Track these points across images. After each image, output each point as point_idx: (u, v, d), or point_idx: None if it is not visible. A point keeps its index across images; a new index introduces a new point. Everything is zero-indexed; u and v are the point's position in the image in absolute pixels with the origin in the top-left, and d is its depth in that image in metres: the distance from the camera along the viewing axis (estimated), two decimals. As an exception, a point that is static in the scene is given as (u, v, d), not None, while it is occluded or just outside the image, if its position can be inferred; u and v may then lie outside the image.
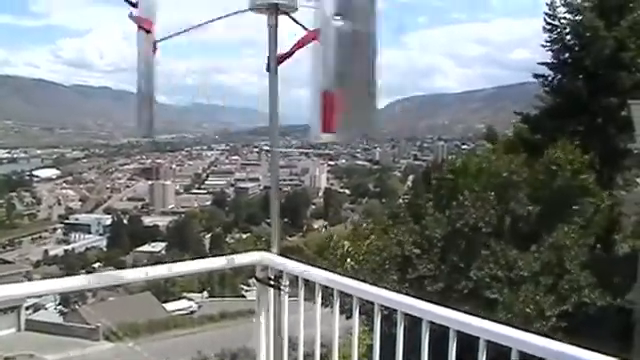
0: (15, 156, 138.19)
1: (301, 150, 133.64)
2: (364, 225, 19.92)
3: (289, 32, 3.55)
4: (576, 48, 22.35)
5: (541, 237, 14.73)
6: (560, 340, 2.48)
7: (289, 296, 3.79)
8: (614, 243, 20.52)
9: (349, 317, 3.35)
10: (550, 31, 22.61)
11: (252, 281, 3.97)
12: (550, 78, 23.18)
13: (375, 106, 3.07)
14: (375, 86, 3.00)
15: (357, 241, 17.14)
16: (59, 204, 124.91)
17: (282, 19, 3.65)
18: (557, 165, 15.87)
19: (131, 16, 3.41)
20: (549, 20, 22.67)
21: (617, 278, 14.94)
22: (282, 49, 3.67)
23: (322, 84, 2.87)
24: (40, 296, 39.28)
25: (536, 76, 23.41)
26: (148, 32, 3.44)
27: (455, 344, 2.80)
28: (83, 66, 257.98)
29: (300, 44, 3.49)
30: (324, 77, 2.88)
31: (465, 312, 2.83)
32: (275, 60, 3.67)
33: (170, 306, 54.67)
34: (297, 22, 3.50)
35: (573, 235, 14.69)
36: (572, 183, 15.75)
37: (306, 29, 3.40)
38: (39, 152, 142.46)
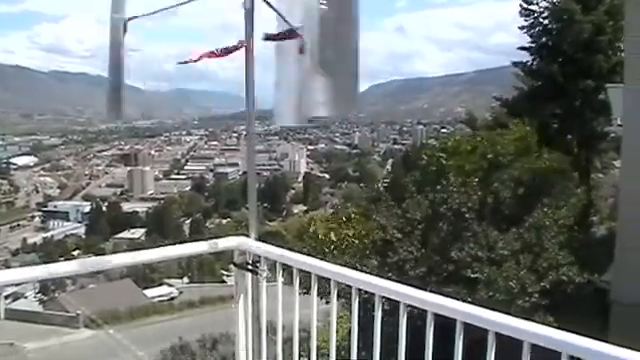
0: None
1: (276, 134, 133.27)
2: (344, 209, 19.95)
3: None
4: (554, 32, 22.46)
5: (521, 219, 14.85)
6: (537, 321, 2.51)
7: (269, 281, 3.79)
8: (591, 225, 20.73)
9: (329, 302, 3.36)
10: (526, 15, 22.71)
11: (231, 266, 3.96)
12: (528, 62, 23.30)
13: (356, 88, 3.09)
14: (357, 69, 3.02)
15: (337, 225, 17.15)
16: (37, 192, 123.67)
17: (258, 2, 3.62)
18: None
19: None
20: (525, 5, 22.76)
21: (594, 259, 15.10)
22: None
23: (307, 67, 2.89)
24: (19, 284, 39.04)
25: (515, 64, 23.52)
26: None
27: (433, 328, 2.82)
28: (60, 52, 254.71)
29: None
30: (311, 61, 2.90)
31: (442, 295, 2.84)
32: (251, 43, 3.64)
33: (150, 292, 54.57)
34: (271, 6, 3.47)
35: (552, 215, 14.83)
36: (549, 166, 15.88)
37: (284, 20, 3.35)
38: (16, 139, 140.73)
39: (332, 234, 16.32)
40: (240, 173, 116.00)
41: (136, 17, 3.53)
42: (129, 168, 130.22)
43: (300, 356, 3.55)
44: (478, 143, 16.69)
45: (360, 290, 3.19)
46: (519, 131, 16.59)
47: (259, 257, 3.77)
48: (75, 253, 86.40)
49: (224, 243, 3.87)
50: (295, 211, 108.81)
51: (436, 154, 16.91)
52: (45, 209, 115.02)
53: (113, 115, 3.71)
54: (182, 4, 3.61)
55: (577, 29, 21.10)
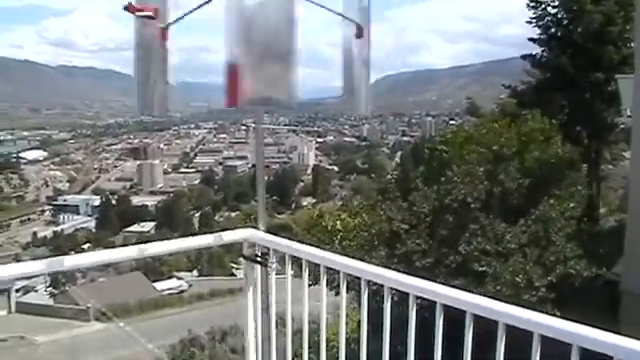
0: (1, 138, 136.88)
1: (286, 126, 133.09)
2: (353, 202, 19.96)
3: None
4: (564, 22, 22.33)
5: (528, 211, 14.80)
6: (546, 312, 2.49)
7: (278, 273, 3.79)
8: (600, 217, 20.66)
9: (338, 293, 3.36)
10: (534, 7, 22.57)
11: (240, 259, 3.97)
12: (537, 54, 23.16)
13: (292, 76, 3.04)
14: (293, 56, 2.98)
15: (346, 217, 17.14)
16: (47, 186, 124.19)
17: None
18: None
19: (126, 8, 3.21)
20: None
21: (603, 251, 15.05)
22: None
23: (228, 56, 2.86)
24: (30, 277, 39.23)
25: (524, 57, 23.38)
26: (152, 18, 3.26)
27: (442, 319, 2.81)
28: (68, 46, 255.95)
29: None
30: (228, 48, 2.87)
31: (452, 286, 2.83)
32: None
33: (160, 285, 54.73)
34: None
35: (559, 207, 14.77)
36: (557, 156, 15.81)
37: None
38: (25, 134, 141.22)
39: (340, 226, 16.33)
40: (249, 166, 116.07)
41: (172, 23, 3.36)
42: (138, 162, 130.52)
43: (309, 348, 3.55)
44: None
45: (369, 282, 3.19)
46: (536, 122, 16.44)
47: (268, 249, 3.77)
48: (85, 246, 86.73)
49: (233, 235, 3.88)
50: (304, 204, 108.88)
51: (437, 147, 16.94)
52: (55, 203, 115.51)
53: (146, 111, 3.66)
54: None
55: (587, 20, 20.96)
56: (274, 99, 3.18)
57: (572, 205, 15.34)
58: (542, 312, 2.48)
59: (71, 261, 3.62)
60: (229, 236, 3.86)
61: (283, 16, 2.94)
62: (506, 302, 2.60)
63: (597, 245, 15.41)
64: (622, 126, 20.02)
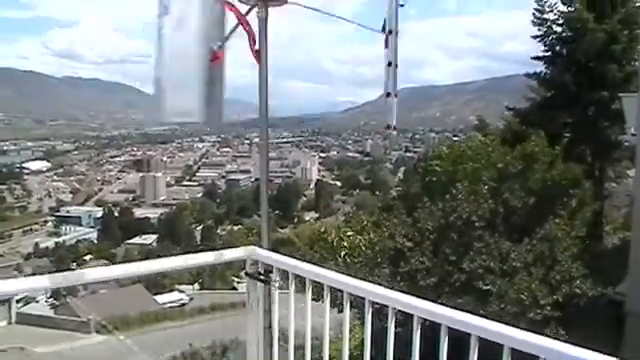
0: (5, 148, 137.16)
1: (286, 139, 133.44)
2: (356, 218, 19.89)
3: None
4: (568, 41, 22.35)
5: (533, 230, 14.73)
6: (552, 336, 2.47)
7: (280, 290, 3.77)
8: (604, 235, 20.59)
9: (341, 311, 3.33)
10: (539, 24, 22.59)
11: (243, 274, 3.95)
12: (542, 72, 23.17)
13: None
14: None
15: (349, 233, 17.09)
16: (50, 196, 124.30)
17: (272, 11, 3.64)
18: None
19: None
20: (538, 15, 22.65)
21: (608, 270, 14.97)
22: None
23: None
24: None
25: (528, 75, 23.39)
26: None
27: (446, 340, 2.78)
28: (73, 57, 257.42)
29: None
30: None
31: (457, 309, 2.81)
32: (266, 52, 3.64)
33: (161, 298, 54.58)
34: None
35: (564, 227, 14.70)
36: (562, 175, 15.74)
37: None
38: (29, 144, 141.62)
39: (344, 242, 16.29)
40: (252, 180, 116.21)
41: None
42: (141, 174, 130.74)
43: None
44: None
45: (372, 301, 3.16)
46: (538, 144, 16.35)
47: (271, 267, 3.75)
48: (87, 258, 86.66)
49: (236, 253, 3.86)
50: (306, 218, 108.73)
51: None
52: (57, 214, 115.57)
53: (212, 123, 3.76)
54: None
55: (590, 38, 20.98)
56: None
57: (578, 224, 15.28)
58: (546, 332, 2.46)
59: (73, 277, 3.61)
60: (233, 254, 3.85)
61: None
62: (512, 325, 2.58)
63: (601, 264, 15.33)
64: (626, 144, 19.99)
